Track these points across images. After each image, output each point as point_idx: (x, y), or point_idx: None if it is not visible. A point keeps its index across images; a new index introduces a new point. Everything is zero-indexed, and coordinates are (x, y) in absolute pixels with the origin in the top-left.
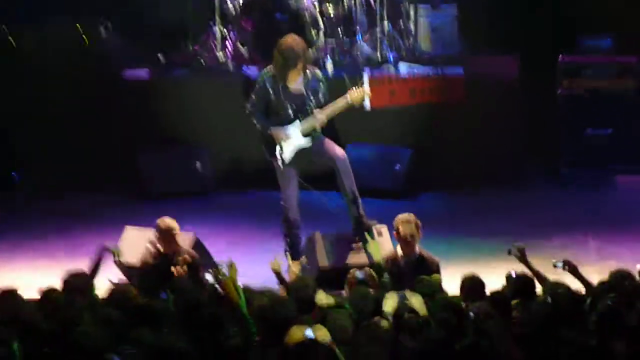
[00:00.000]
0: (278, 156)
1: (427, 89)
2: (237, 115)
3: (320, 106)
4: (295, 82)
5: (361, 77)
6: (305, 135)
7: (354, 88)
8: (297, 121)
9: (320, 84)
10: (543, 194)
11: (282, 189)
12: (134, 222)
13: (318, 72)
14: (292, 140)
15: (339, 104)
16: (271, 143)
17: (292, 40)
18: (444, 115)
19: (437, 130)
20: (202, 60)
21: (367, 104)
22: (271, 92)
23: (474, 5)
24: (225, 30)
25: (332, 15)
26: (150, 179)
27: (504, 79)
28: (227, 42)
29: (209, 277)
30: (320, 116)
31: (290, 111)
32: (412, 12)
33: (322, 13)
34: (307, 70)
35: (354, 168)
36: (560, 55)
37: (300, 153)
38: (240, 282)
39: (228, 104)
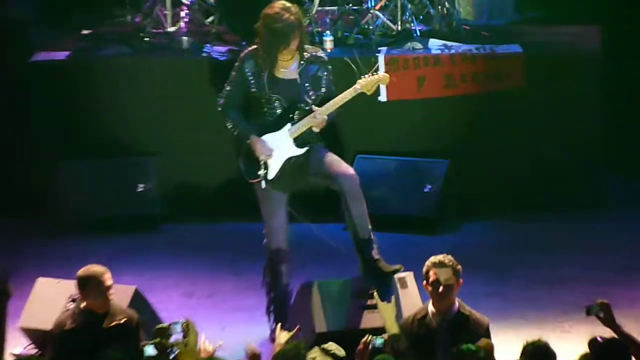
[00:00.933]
0: (260, 174)
1: (469, 75)
2: (199, 113)
3: (322, 102)
4: (287, 68)
5: (375, 59)
6: (299, 143)
7: (365, 76)
8: (289, 124)
9: (323, 70)
10: (633, 223)
11: (265, 219)
12: (47, 268)
13: (320, 53)
14: (281, 151)
15: (345, 97)
16: (250, 155)
17: (282, 7)
18: (494, 110)
19: (483, 133)
20: (145, 37)
21: (384, 96)
22: (252, 81)
23: None
24: None
25: None
26: (72, 204)
27: (580, 60)
28: (182, 10)
29: (150, 350)
30: (321, 116)
31: (279, 109)
32: None
33: None
34: (305, 52)
35: (366, 189)
36: None
37: (291, 169)
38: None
39: (185, 98)
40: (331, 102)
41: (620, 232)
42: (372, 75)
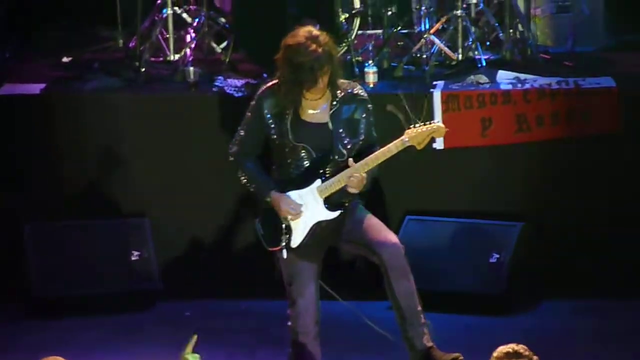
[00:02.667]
0: (282, 241)
1: (548, 116)
2: (208, 163)
3: (360, 152)
4: (317, 109)
5: (429, 96)
6: (331, 205)
7: (415, 125)
8: (318, 180)
9: (361, 111)
10: None
11: (290, 295)
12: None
13: (358, 89)
14: (308, 213)
15: (389, 151)
16: (270, 216)
17: (308, 35)
18: (581, 161)
19: (567, 189)
20: (141, 66)
21: (440, 143)
22: (273, 126)
23: None
24: (184, 13)
25: None
26: (42, 278)
27: None
28: (188, 34)
29: None
30: (358, 174)
31: (306, 161)
32: None
33: None
34: (338, 89)
35: (415, 260)
36: None
37: (322, 235)
38: None
39: (191, 143)
40: (372, 155)
41: None
42: (425, 124)
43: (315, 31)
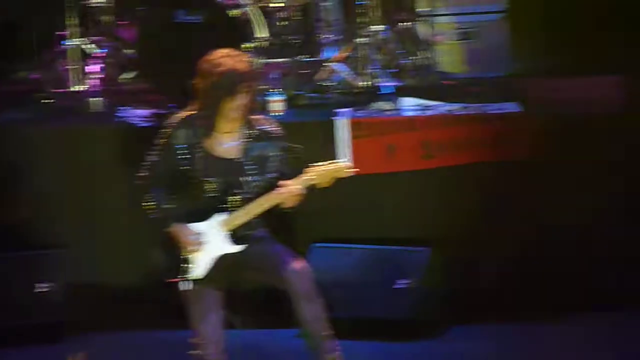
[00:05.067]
0: (183, 273)
1: (453, 142)
2: (113, 193)
3: (270, 185)
4: (228, 143)
5: (334, 126)
6: (235, 239)
7: (320, 164)
8: (223, 213)
9: (273, 148)
10: None
11: (194, 324)
12: None
13: (272, 126)
14: (211, 246)
15: (294, 188)
16: (172, 247)
17: (227, 53)
18: (487, 186)
19: (473, 214)
20: (44, 98)
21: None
22: (183, 157)
23: None
24: (88, 43)
25: (282, 14)
26: None
27: (598, 117)
28: (92, 64)
29: None
30: (296, 187)
31: (212, 193)
32: (423, 7)
33: (265, 10)
34: (251, 123)
35: (323, 288)
36: None
37: (226, 267)
38: None
39: (95, 174)
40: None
41: None
42: (328, 164)
43: (234, 51)
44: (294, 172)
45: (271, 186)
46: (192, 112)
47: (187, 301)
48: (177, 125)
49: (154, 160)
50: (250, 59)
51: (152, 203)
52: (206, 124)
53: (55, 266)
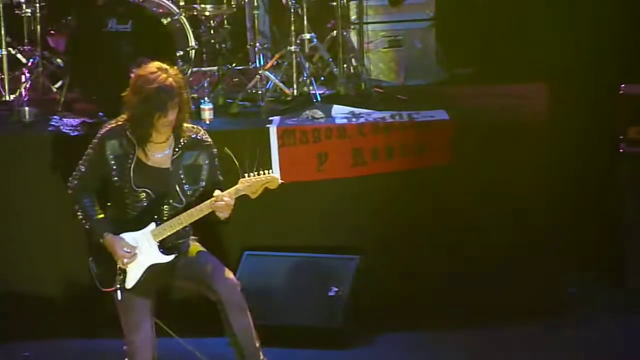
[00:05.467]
0: (116, 282)
1: (383, 149)
2: (43, 201)
3: (200, 197)
4: (160, 153)
5: (266, 134)
6: (165, 248)
7: (250, 174)
8: (153, 223)
9: (204, 157)
10: (596, 329)
11: (126, 333)
12: None
13: (202, 134)
14: (142, 256)
15: (226, 198)
16: (104, 257)
17: (159, 67)
18: (415, 193)
19: (402, 221)
20: None
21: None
22: (114, 167)
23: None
24: (18, 53)
25: (212, 22)
26: None
27: (523, 127)
28: (23, 74)
29: None
30: (229, 199)
31: (145, 202)
32: (353, 15)
33: (195, 18)
34: (182, 133)
35: (254, 296)
36: (623, 85)
37: (156, 276)
38: None
39: (25, 182)
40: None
41: (580, 344)
42: (259, 175)
43: (165, 65)
44: (225, 180)
45: (202, 196)
46: (123, 123)
47: (120, 310)
48: (108, 135)
49: (83, 170)
50: (181, 72)
51: (82, 213)
52: (137, 135)
53: None
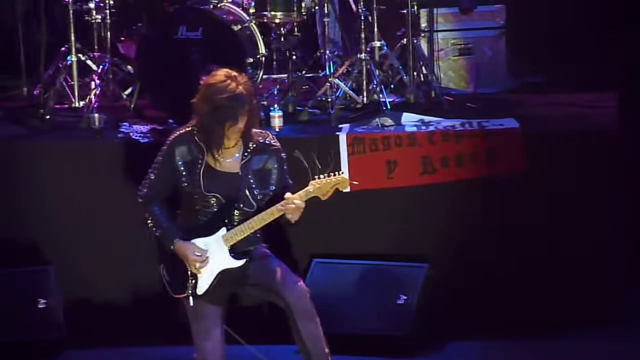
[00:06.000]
0: (188, 289)
1: (453, 158)
2: (112, 209)
3: (269, 201)
4: (229, 158)
5: (335, 142)
6: (236, 253)
7: (321, 176)
8: (224, 228)
9: (273, 161)
10: None
11: (196, 340)
12: None
13: (271, 139)
14: (214, 261)
15: (296, 201)
16: (176, 264)
17: (228, 75)
18: (485, 202)
19: (472, 231)
20: (46, 114)
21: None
22: (184, 173)
23: (532, 10)
24: (88, 60)
25: (282, 30)
26: None
27: (593, 136)
28: (92, 80)
29: None
30: (299, 202)
31: (214, 207)
32: (424, 23)
33: (265, 25)
34: (251, 138)
35: (323, 303)
36: None
37: (227, 282)
38: None
39: (95, 189)
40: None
41: None
42: (329, 176)
43: (234, 72)
44: (295, 184)
45: (272, 200)
46: (192, 129)
47: (190, 317)
48: (177, 141)
49: (153, 178)
50: (250, 79)
51: (153, 220)
52: (208, 142)
53: (52, 283)
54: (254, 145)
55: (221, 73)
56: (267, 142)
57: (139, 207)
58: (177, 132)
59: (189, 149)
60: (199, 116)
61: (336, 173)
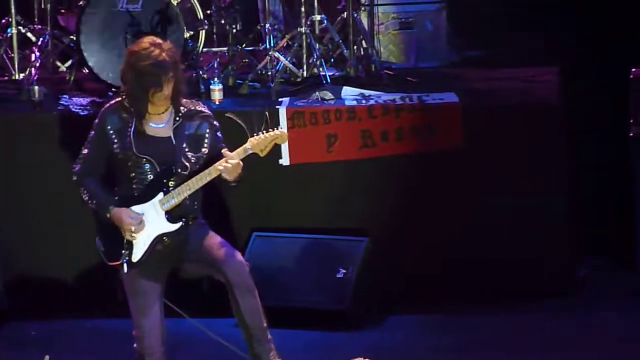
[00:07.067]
0: (123, 255)
1: (392, 131)
2: (53, 181)
3: (204, 165)
4: (159, 124)
5: (274, 112)
6: (172, 217)
7: (258, 133)
8: (160, 193)
9: (205, 127)
10: (604, 314)
11: (135, 316)
12: None
13: (201, 107)
14: (150, 226)
15: (233, 158)
16: (111, 231)
17: (152, 42)
18: (424, 175)
19: (411, 204)
20: None
21: (286, 159)
22: (116, 140)
23: None
24: (28, 32)
25: (223, 3)
26: None
27: (534, 110)
28: (32, 53)
29: None
30: (234, 160)
31: (149, 174)
32: None
33: None
34: (181, 105)
35: (263, 277)
36: (634, 69)
37: (165, 254)
38: None
39: (35, 162)
40: (214, 167)
41: (589, 327)
42: (267, 132)
43: (158, 39)
44: (229, 147)
45: (207, 164)
46: (122, 97)
47: (128, 294)
48: (108, 112)
49: (86, 152)
50: (174, 48)
51: (88, 193)
52: (135, 108)
53: None
54: (185, 110)
55: (146, 40)
56: (197, 108)
57: (74, 185)
58: (107, 104)
59: (119, 117)
60: (125, 83)
61: (274, 128)
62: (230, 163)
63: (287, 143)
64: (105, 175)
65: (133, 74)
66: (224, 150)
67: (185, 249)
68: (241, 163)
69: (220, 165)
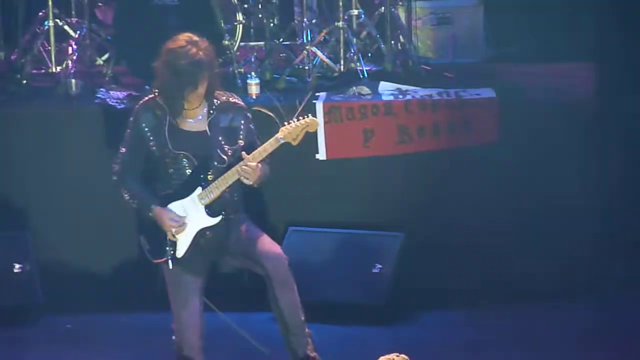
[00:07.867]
0: (167, 252)
1: (429, 127)
2: (90, 176)
3: (240, 157)
4: (194, 118)
5: (312, 107)
6: (212, 211)
7: (289, 122)
8: (199, 187)
9: (239, 118)
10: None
11: (175, 309)
12: None
13: (235, 99)
14: (191, 222)
15: (266, 150)
16: (154, 230)
17: (188, 40)
18: (460, 171)
19: (447, 199)
20: (23, 78)
21: (322, 154)
22: (151, 137)
23: None
24: (65, 25)
25: None
26: None
27: (570, 106)
28: (70, 46)
29: None
30: (252, 163)
31: (187, 169)
32: None
33: None
34: (215, 98)
35: (298, 271)
36: None
37: (206, 247)
38: None
39: (72, 156)
40: (255, 151)
41: (627, 324)
42: (298, 120)
43: (195, 37)
44: (263, 140)
45: (238, 158)
46: (154, 93)
47: (169, 287)
48: (141, 109)
49: (123, 151)
50: (210, 46)
51: (129, 193)
52: (169, 106)
53: (29, 247)
54: (218, 103)
55: (182, 38)
56: (231, 100)
57: (114, 184)
58: (141, 102)
59: (153, 114)
60: (160, 80)
61: (304, 116)
62: (249, 166)
63: (323, 138)
64: (144, 171)
65: (169, 72)
66: (243, 153)
67: (226, 243)
68: (259, 166)
69: (239, 167)
